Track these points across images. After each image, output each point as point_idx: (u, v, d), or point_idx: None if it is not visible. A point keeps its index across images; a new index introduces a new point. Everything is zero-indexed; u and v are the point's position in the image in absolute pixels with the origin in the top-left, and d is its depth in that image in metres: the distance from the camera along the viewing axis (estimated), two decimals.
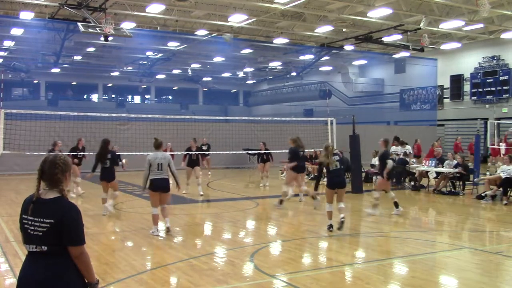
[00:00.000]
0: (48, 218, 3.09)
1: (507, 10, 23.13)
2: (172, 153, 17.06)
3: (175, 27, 27.23)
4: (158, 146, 9.22)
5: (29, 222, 3.13)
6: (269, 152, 17.20)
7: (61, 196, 3.19)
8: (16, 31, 26.19)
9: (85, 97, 49.88)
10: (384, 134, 22.08)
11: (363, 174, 17.37)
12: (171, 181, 9.30)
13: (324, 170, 9.81)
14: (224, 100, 52.58)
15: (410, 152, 17.67)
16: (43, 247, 3.10)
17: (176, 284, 6.40)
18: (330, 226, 9.15)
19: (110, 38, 20.92)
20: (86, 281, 3.23)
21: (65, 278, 3.12)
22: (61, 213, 3.11)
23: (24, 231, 3.17)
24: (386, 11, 23.13)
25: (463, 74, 31.70)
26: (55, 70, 38.55)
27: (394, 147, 18.37)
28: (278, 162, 18.71)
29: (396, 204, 11.20)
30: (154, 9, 22.56)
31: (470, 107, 31.11)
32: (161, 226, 9.32)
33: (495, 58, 29.99)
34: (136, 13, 23.19)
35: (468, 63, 31.39)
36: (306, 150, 13.99)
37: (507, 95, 28.97)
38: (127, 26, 23.31)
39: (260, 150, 17.29)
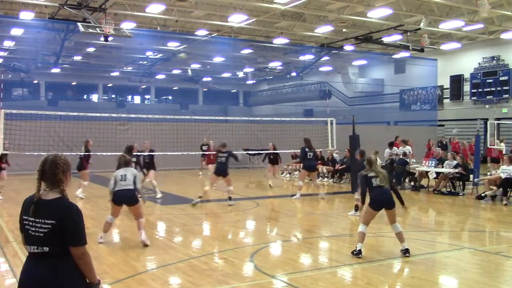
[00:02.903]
0: (49, 219, 3.07)
1: (507, 10, 23.14)
2: (153, 153, 17.01)
3: (175, 27, 27.24)
4: (126, 163, 8.68)
5: (30, 223, 3.11)
6: (277, 153, 17.29)
7: (62, 196, 3.17)
8: (16, 31, 26.19)
9: (85, 97, 49.86)
10: (384, 134, 22.16)
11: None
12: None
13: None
14: (224, 100, 52.56)
15: (410, 152, 17.67)
16: (44, 248, 3.07)
17: (176, 284, 6.40)
18: (360, 251, 7.34)
19: (110, 38, 20.94)
20: (88, 281, 3.22)
21: (68, 279, 3.11)
22: (62, 214, 3.09)
23: (24, 232, 3.15)
24: (386, 11, 23.13)
25: (463, 75, 31.69)
26: (55, 70, 38.54)
27: (388, 150, 18.39)
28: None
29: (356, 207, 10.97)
30: (154, 9, 22.56)
31: (470, 107, 31.11)
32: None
33: (495, 58, 29.99)
34: (136, 13, 23.19)
35: (468, 63, 31.39)
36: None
37: (507, 95, 28.97)
38: (127, 26, 23.32)
39: (269, 150, 17.37)
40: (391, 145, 18.49)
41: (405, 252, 7.32)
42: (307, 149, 13.78)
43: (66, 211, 3.12)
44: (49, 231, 3.06)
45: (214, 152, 17.16)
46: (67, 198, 3.19)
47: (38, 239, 3.07)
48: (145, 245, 8.06)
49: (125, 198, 8.37)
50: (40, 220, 3.08)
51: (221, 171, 12.76)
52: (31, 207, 3.13)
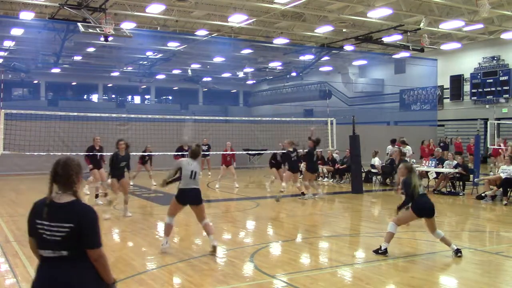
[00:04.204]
0: (67, 222, 3.01)
1: (507, 10, 23.13)
2: (150, 153, 17.04)
3: (175, 27, 27.24)
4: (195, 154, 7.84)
5: (45, 227, 3.03)
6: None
7: (77, 199, 3.12)
8: (16, 31, 26.18)
9: (85, 97, 49.87)
10: (384, 134, 22.20)
11: (363, 175, 17.38)
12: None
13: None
14: (224, 100, 52.57)
15: (412, 153, 17.67)
16: (62, 252, 3.02)
17: (176, 284, 6.40)
18: (386, 250, 7.39)
19: (110, 38, 20.92)
20: (105, 282, 3.21)
21: (87, 282, 3.07)
22: (80, 217, 3.05)
23: (38, 236, 3.06)
24: (386, 12, 23.13)
25: (463, 75, 31.69)
26: (55, 70, 38.56)
27: (390, 147, 18.41)
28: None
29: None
30: (154, 9, 22.56)
31: (470, 107, 31.11)
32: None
33: (495, 58, 29.99)
34: (136, 13, 23.19)
35: (468, 63, 31.39)
36: (305, 150, 14.21)
37: (507, 96, 28.97)
38: (127, 26, 23.31)
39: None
40: (393, 142, 18.50)
41: (457, 252, 7.31)
42: (290, 150, 13.99)
43: (85, 214, 3.08)
44: (67, 234, 3.00)
45: (231, 153, 17.21)
46: (81, 200, 3.16)
47: (55, 243, 3.01)
48: (214, 248, 7.49)
49: (192, 199, 7.63)
50: (57, 224, 3.01)
51: (297, 168, 14.22)
52: (44, 210, 3.06)
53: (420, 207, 7.32)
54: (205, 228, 7.70)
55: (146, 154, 17.13)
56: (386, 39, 27.63)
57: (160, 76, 43.89)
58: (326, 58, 35.60)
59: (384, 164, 18.03)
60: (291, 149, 14.06)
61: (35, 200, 3.20)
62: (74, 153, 14.41)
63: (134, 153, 16.17)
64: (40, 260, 3.11)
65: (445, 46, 30.78)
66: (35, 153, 15.90)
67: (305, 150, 14.29)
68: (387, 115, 36.73)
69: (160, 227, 10.56)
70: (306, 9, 23.86)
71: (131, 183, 16.99)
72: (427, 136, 25.96)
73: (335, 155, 19.49)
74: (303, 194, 13.86)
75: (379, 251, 7.38)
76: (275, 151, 15.79)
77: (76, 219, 3.02)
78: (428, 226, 7.51)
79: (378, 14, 23.41)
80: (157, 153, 17.52)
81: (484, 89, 30.15)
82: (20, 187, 17.27)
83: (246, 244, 8.72)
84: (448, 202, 13.67)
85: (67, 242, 3.00)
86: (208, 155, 19.47)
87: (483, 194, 13.62)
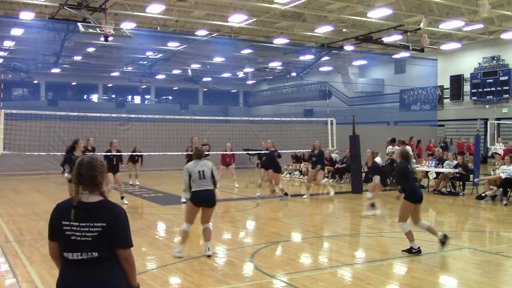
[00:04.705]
0: (99, 221, 2.95)
1: (507, 10, 23.13)
2: (140, 153, 16.91)
3: (175, 27, 27.24)
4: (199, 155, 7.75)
5: (74, 228, 2.95)
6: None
7: (105, 199, 3.07)
8: (16, 31, 26.18)
9: (85, 97, 49.84)
10: (384, 134, 22.17)
11: (363, 175, 17.37)
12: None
13: None
14: (224, 100, 52.56)
15: (411, 153, 17.65)
16: (93, 253, 2.95)
17: (176, 284, 6.40)
18: (419, 249, 7.48)
19: (110, 38, 20.93)
20: (130, 283, 3.13)
21: (117, 283, 3.03)
22: (114, 216, 3.00)
23: (65, 238, 2.97)
24: (386, 12, 23.13)
25: (463, 75, 31.70)
26: (55, 70, 38.55)
27: (390, 147, 18.40)
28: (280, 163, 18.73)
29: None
30: (154, 9, 22.56)
31: (470, 107, 31.12)
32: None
33: (495, 58, 29.99)
34: (136, 13, 23.19)
35: (468, 63, 31.39)
36: (305, 151, 14.28)
37: (507, 96, 28.97)
38: (127, 26, 23.31)
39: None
40: (393, 141, 18.49)
41: (445, 237, 7.56)
42: (273, 150, 14.37)
43: (117, 213, 3.03)
44: (99, 234, 2.94)
45: (231, 153, 17.23)
46: (109, 200, 3.11)
47: (86, 244, 2.94)
48: (209, 257, 7.36)
49: (207, 200, 7.54)
50: (88, 224, 2.94)
51: (280, 169, 14.75)
52: (72, 212, 2.97)
53: (414, 192, 7.63)
54: (204, 232, 7.57)
55: (135, 154, 16.90)
56: (386, 39, 27.63)
57: (160, 76, 43.89)
58: (326, 58, 35.59)
59: (383, 164, 18.00)
60: (273, 149, 14.36)
61: (58, 203, 3.13)
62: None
63: (125, 153, 16.20)
64: (65, 263, 3.02)
65: (445, 46, 30.78)
66: (35, 153, 15.91)
67: (314, 152, 14.52)
68: (387, 115, 36.73)
69: (160, 227, 10.57)
70: (306, 9, 23.86)
71: (130, 183, 16.99)
72: (427, 136, 25.95)
73: (334, 155, 19.49)
74: (286, 194, 14.09)
75: (413, 251, 7.43)
76: (260, 151, 15.87)
77: (108, 218, 2.97)
78: (418, 214, 7.70)
79: (378, 14, 23.41)
80: (157, 153, 17.50)
81: (484, 89, 30.15)
82: (20, 187, 17.27)
83: (246, 244, 8.72)
84: (448, 202, 13.67)
85: (98, 242, 2.94)
86: (208, 155, 19.45)
87: (483, 194, 13.62)
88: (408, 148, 17.60)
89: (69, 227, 2.96)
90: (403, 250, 7.55)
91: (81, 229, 2.94)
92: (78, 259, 2.96)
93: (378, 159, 18.39)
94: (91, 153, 12.59)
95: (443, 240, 7.55)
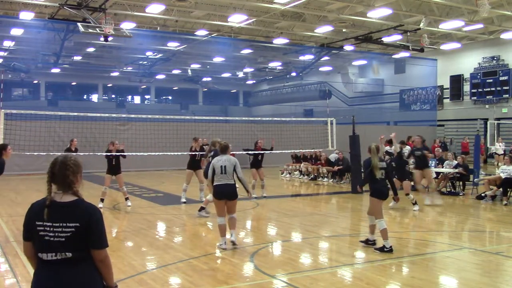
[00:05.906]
0: (72, 221, 2.90)
1: (507, 10, 23.13)
2: (124, 153, 16.69)
3: (175, 27, 27.23)
4: (224, 149, 8.26)
5: (47, 228, 2.90)
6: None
7: (79, 198, 3.01)
8: (16, 31, 26.18)
9: (85, 97, 49.85)
10: (384, 134, 22.06)
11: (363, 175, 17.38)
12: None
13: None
14: (224, 100, 52.57)
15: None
16: (67, 253, 2.90)
17: (176, 284, 6.40)
18: (391, 247, 7.57)
19: (110, 38, 20.92)
20: (106, 284, 3.11)
21: (91, 284, 2.99)
22: (87, 216, 2.94)
23: (38, 239, 2.92)
24: (386, 12, 23.12)
25: (463, 75, 31.69)
26: (55, 70, 38.55)
27: (388, 147, 18.38)
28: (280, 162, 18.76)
29: None
30: (154, 9, 22.55)
31: (470, 107, 31.10)
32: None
33: (495, 58, 29.99)
34: (136, 13, 23.18)
35: (468, 63, 31.39)
36: (305, 150, 14.26)
37: (507, 95, 28.97)
38: (127, 26, 23.31)
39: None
40: (389, 142, 18.46)
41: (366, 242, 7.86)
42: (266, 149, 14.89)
43: (91, 213, 2.97)
44: (72, 234, 2.89)
45: (231, 153, 17.19)
46: (84, 199, 3.05)
47: (59, 244, 2.88)
48: (234, 244, 7.91)
49: (228, 194, 7.95)
50: (61, 224, 2.89)
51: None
52: (45, 211, 2.91)
53: (378, 190, 7.81)
54: (229, 221, 8.07)
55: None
56: (386, 39, 27.63)
57: (160, 76, 43.88)
58: (326, 58, 35.59)
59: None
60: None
61: (33, 202, 3.08)
62: (75, 153, 14.46)
63: (134, 153, 16.17)
64: (39, 264, 2.98)
65: (445, 46, 30.78)
66: (35, 153, 15.91)
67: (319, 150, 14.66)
68: (387, 115, 36.72)
69: (160, 227, 10.56)
70: (306, 9, 23.85)
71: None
72: (427, 136, 25.94)
73: (330, 156, 19.48)
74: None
75: (385, 249, 7.49)
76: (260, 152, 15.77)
77: (81, 218, 2.92)
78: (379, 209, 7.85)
79: (378, 14, 23.40)
80: (157, 153, 17.51)
81: (484, 89, 30.14)
82: (20, 187, 17.27)
83: (246, 244, 8.71)
84: (448, 202, 13.67)
85: (72, 242, 2.90)
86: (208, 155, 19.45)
87: (483, 194, 13.62)
88: (408, 148, 17.66)
89: (43, 227, 2.91)
90: (375, 249, 7.66)
91: (54, 229, 2.88)
92: (52, 260, 2.91)
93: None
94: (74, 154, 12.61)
95: (369, 242, 7.86)
